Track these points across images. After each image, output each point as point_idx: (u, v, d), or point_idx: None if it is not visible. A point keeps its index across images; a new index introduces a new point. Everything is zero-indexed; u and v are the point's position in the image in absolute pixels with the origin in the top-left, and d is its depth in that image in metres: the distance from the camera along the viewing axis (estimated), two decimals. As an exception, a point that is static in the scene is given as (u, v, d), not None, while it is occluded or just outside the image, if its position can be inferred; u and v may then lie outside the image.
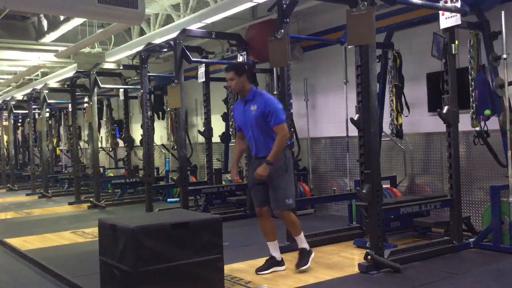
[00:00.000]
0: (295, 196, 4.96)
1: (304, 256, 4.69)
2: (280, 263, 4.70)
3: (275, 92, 7.69)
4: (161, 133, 12.32)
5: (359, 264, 4.56)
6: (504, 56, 5.06)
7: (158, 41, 8.24)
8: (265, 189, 4.62)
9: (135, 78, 11.39)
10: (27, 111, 14.70)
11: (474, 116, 5.51)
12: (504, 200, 4.98)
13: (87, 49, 9.93)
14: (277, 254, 4.69)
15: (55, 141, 16.46)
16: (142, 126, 8.56)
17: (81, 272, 4.89)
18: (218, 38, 8.40)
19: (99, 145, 11.61)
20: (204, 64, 8.42)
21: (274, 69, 7.33)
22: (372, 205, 4.50)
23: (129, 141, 12.19)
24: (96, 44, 9.92)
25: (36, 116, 15.34)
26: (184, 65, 7.31)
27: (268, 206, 4.65)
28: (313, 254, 4.76)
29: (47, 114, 15.25)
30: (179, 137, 7.43)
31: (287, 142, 4.63)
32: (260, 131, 4.59)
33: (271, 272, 4.58)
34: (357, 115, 4.81)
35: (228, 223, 7.11)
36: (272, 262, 4.67)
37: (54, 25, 8.76)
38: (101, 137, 13.16)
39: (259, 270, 4.59)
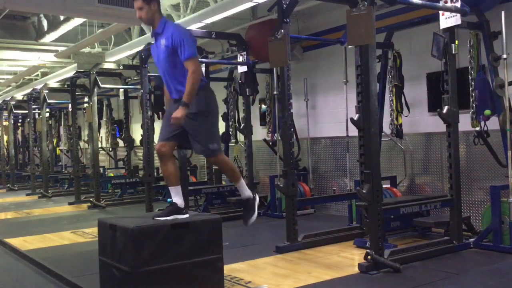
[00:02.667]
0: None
1: (249, 206, 4.40)
2: (182, 210, 4.06)
3: (275, 92, 7.71)
4: (161, 133, 12.29)
5: (359, 264, 4.56)
6: (504, 56, 5.06)
7: (158, 41, 8.23)
8: (182, 133, 4.12)
9: (135, 78, 11.37)
10: (27, 111, 14.70)
11: (474, 116, 5.51)
12: (504, 200, 4.98)
13: (87, 49, 9.93)
14: (179, 201, 4.09)
15: (55, 141, 16.47)
16: (142, 126, 8.56)
17: (81, 272, 4.89)
18: (218, 38, 8.40)
19: (99, 145, 11.61)
20: (204, 64, 8.41)
21: (274, 69, 7.34)
22: (372, 205, 4.50)
23: (129, 141, 12.20)
24: (96, 44, 9.92)
25: (36, 116, 15.33)
26: (184, 65, 7.29)
27: (175, 142, 4.16)
28: (257, 200, 4.43)
29: (47, 114, 15.25)
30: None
31: (202, 78, 4.08)
32: (171, 69, 4.07)
33: (173, 219, 3.90)
34: (357, 115, 4.81)
35: (228, 223, 7.10)
36: (174, 209, 4.04)
37: (54, 25, 8.76)
38: (101, 137, 13.16)
39: (157, 216, 3.95)
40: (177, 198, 4.09)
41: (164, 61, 4.08)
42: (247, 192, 4.41)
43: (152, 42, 4.26)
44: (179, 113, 3.92)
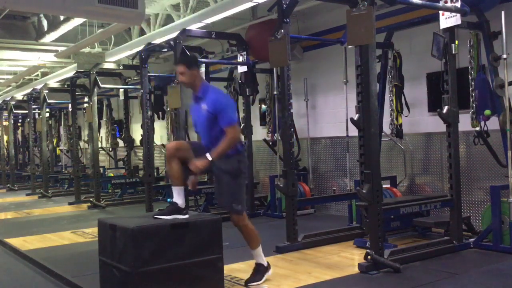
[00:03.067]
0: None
1: (258, 272, 4.33)
2: (182, 210, 4.08)
3: (275, 92, 7.71)
4: (161, 133, 12.31)
5: (359, 264, 4.56)
6: (504, 56, 5.06)
7: (158, 41, 8.24)
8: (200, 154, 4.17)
9: (135, 78, 11.38)
10: (27, 111, 14.71)
11: (474, 116, 5.51)
12: (504, 200, 4.98)
13: (87, 49, 9.92)
14: (180, 201, 4.10)
15: (55, 141, 16.47)
16: (142, 126, 8.57)
17: (81, 272, 4.89)
18: (218, 38, 8.40)
19: (99, 145, 11.61)
20: (204, 64, 8.42)
21: (274, 69, 7.34)
22: (372, 205, 4.50)
23: (129, 141, 12.19)
24: (96, 44, 9.92)
25: (36, 116, 15.34)
26: (184, 65, 7.29)
27: (190, 155, 4.16)
28: (270, 272, 4.38)
29: (47, 114, 15.25)
30: (179, 137, 7.43)
31: (237, 145, 4.20)
32: (210, 132, 4.22)
33: (173, 219, 3.93)
34: (357, 115, 4.81)
35: (228, 223, 7.06)
36: (174, 209, 4.04)
37: (54, 25, 8.75)
38: (101, 137, 13.16)
39: (158, 215, 3.99)
40: (178, 198, 4.09)
41: (204, 123, 4.25)
42: (261, 259, 4.37)
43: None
44: (201, 163, 4.06)
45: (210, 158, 4.06)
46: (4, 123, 16.85)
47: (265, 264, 4.38)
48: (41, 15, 9.69)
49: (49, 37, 9.01)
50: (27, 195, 13.13)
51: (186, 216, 4.05)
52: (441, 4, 4.99)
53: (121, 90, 11.62)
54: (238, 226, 4.30)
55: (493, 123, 5.45)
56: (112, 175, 13.08)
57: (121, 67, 10.57)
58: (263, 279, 4.31)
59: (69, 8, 5.93)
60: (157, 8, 8.78)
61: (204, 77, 8.45)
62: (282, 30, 5.36)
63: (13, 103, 15.40)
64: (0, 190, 15.10)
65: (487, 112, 5.35)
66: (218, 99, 4.21)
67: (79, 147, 12.51)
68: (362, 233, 5.78)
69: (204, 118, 4.21)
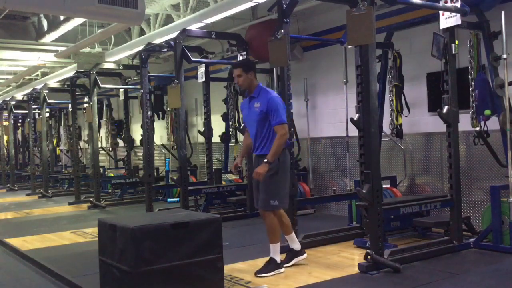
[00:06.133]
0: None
1: (271, 266, 4.58)
2: (300, 252, 4.81)
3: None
4: (161, 133, 12.32)
5: (359, 264, 4.56)
6: (504, 56, 5.06)
7: (158, 41, 8.24)
8: None
9: (135, 78, 11.39)
10: (27, 111, 14.69)
11: (474, 116, 5.51)
12: (504, 200, 4.98)
13: (87, 49, 9.93)
14: (278, 259, 4.62)
15: (55, 141, 16.46)
16: (142, 126, 8.56)
17: (81, 272, 4.89)
18: (218, 38, 8.40)
19: (99, 145, 11.61)
20: (204, 64, 8.42)
21: (274, 69, 7.33)
22: (372, 205, 4.50)
23: (129, 141, 12.19)
24: (96, 44, 9.92)
25: (36, 116, 15.34)
26: (184, 65, 7.30)
27: None
28: (282, 270, 4.61)
29: (47, 114, 15.25)
30: (179, 137, 7.43)
31: (286, 142, 4.59)
32: (261, 129, 4.59)
33: (292, 265, 4.70)
34: (357, 115, 4.81)
35: (228, 223, 7.11)
36: (293, 254, 4.77)
37: (54, 25, 8.76)
38: (101, 137, 13.16)
39: (261, 272, 4.51)
40: (276, 255, 4.59)
41: (256, 122, 4.60)
42: (276, 256, 4.63)
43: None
44: (261, 169, 4.43)
45: (267, 161, 4.41)
46: (4, 123, 16.84)
47: (279, 261, 4.60)
48: (41, 15, 9.69)
49: (49, 37, 9.02)
50: (27, 195, 13.12)
51: (283, 269, 4.59)
52: (441, 4, 4.99)
53: (121, 90, 11.63)
54: (264, 219, 4.61)
55: (493, 123, 5.45)
56: (112, 175, 13.08)
57: (121, 67, 10.57)
58: (272, 273, 4.50)
59: (69, 8, 5.93)
60: (157, 8, 8.79)
61: (204, 76, 8.46)
62: (282, 30, 5.36)
63: (13, 103, 15.39)
64: (0, 190, 15.09)
65: (487, 112, 5.35)
66: (272, 99, 4.55)
67: (79, 147, 12.52)
68: (362, 233, 5.78)
69: (257, 117, 4.57)
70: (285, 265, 4.68)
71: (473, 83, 5.51)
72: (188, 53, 7.30)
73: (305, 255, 4.87)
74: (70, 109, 11.76)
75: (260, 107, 4.56)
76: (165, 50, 8.79)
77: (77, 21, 7.91)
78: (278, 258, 4.61)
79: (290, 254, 4.82)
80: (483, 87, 5.43)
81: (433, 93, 6.48)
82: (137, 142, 12.54)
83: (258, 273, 4.49)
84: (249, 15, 8.55)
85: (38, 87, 12.81)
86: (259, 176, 4.44)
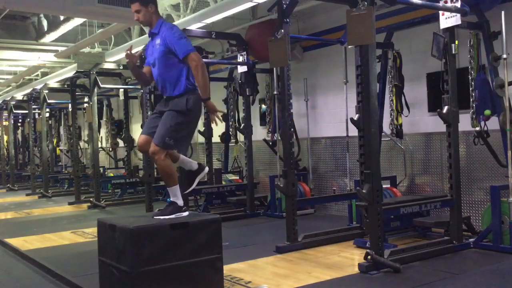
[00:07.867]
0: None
1: (171, 208, 4.02)
2: (182, 208, 4.08)
3: (275, 92, 7.70)
4: (161, 133, 12.29)
5: (359, 264, 4.56)
6: (504, 56, 5.06)
7: (158, 41, 8.23)
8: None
9: (135, 78, 11.37)
10: (27, 111, 14.71)
11: (474, 116, 5.51)
12: (504, 200, 4.98)
13: (87, 49, 9.91)
14: (180, 202, 4.08)
15: (55, 141, 16.46)
16: (142, 126, 8.56)
17: (81, 272, 4.89)
18: (218, 38, 8.39)
19: (99, 145, 11.61)
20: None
21: (274, 69, 7.33)
22: (372, 205, 4.50)
23: (129, 141, 12.19)
24: (96, 44, 9.91)
25: (36, 116, 15.34)
26: (184, 65, 7.29)
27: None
28: (186, 213, 4.06)
29: (47, 114, 15.25)
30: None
31: (205, 69, 4.02)
32: (165, 68, 4.07)
33: (174, 217, 3.92)
34: (357, 115, 4.82)
35: (228, 223, 7.11)
36: (175, 208, 4.03)
37: (54, 25, 8.76)
38: (101, 137, 13.16)
39: (157, 215, 3.97)
40: (177, 198, 4.08)
41: (159, 61, 4.08)
42: (177, 200, 4.09)
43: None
44: (211, 105, 4.02)
45: (205, 98, 4.00)
46: (4, 123, 16.85)
47: (181, 204, 4.09)
48: (41, 15, 9.69)
49: (49, 37, 9.02)
50: (27, 195, 13.13)
51: (186, 213, 4.04)
52: (441, 4, 4.99)
53: (121, 90, 11.62)
54: (154, 160, 4.11)
55: (493, 123, 5.45)
56: (112, 175, 13.08)
57: (121, 67, 10.56)
58: (173, 216, 3.96)
59: (69, 8, 5.94)
60: (157, 8, 8.77)
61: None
62: (282, 30, 5.36)
63: (13, 103, 15.40)
64: (0, 190, 15.10)
65: (487, 112, 5.35)
66: (169, 31, 4.02)
67: (79, 147, 12.51)
68: (362, 233, 5.78)
69: (159, 55, 4.06)
70: (189, 189, 4.25)
71: (473, 83, 5.51)
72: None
73: (206, 169, 4.38)
74: (70, 109, 11.77)
75: (160, 43, 4.03)
76: (165, 50, 8.77)
77: (77, 21, 7.91)
78: (180, 201, 4.09)
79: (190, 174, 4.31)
80: (483, 87, 5.43)
81: (433, 93, 6.47)
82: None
83: (156, 215, 3.98)
84: (249, 15, 8.55)
85: (38, 87, 12.81)
86: (217, 113, 4.06)
